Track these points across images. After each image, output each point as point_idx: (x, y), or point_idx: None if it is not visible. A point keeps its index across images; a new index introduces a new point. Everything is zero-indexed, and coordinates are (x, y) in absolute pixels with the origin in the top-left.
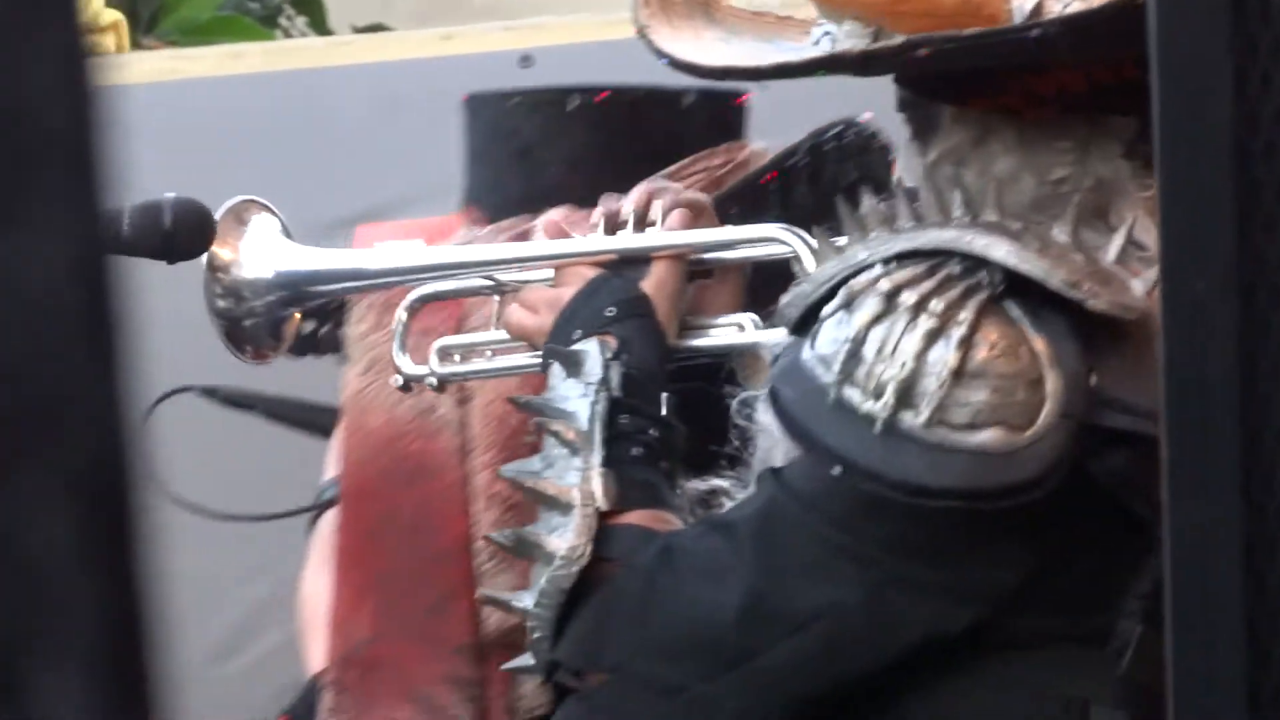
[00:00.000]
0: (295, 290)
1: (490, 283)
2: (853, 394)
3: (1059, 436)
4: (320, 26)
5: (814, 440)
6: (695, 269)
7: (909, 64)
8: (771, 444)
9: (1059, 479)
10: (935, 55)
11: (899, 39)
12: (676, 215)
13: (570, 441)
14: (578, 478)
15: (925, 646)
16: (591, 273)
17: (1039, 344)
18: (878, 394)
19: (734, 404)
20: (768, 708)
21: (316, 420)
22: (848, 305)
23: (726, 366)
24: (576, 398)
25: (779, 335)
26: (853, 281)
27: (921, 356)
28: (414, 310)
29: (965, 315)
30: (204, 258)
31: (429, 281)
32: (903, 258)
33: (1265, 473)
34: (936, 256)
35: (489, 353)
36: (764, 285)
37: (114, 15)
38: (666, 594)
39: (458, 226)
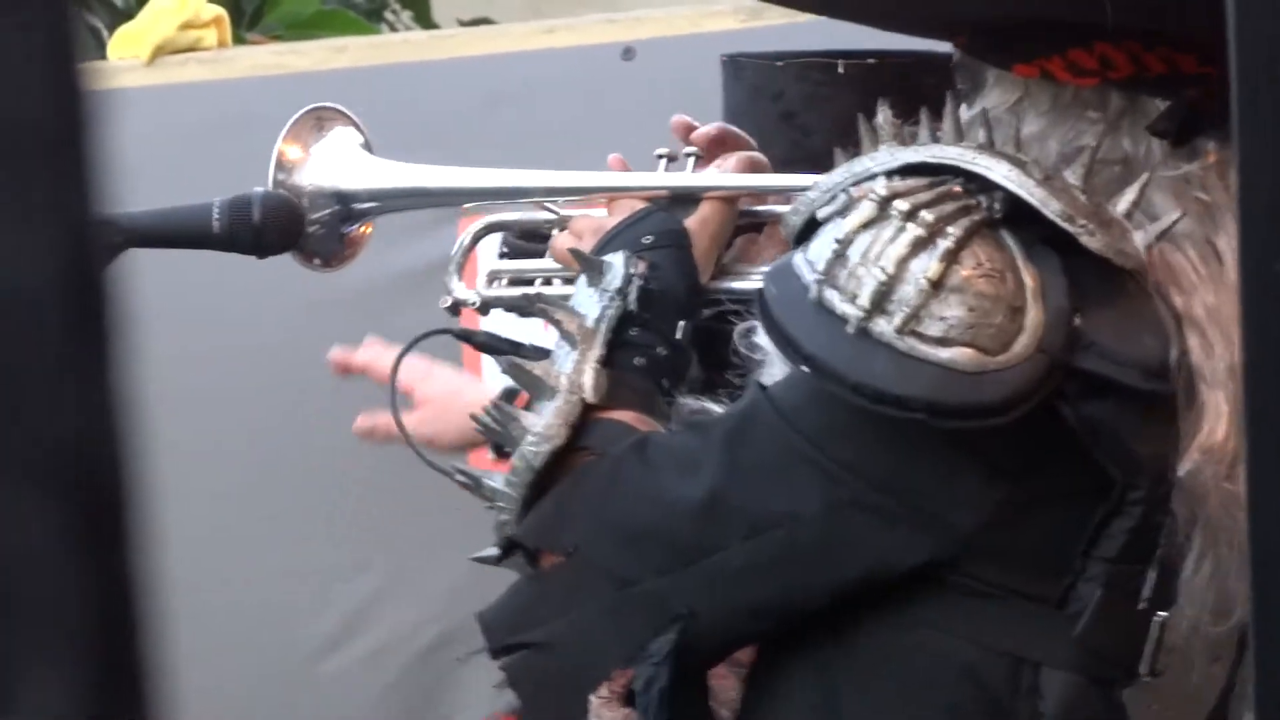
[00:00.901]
0: (349, 205)
1: (554, 216)
2: (832, 295)
3: (1031, 369)
4: (425, 20)
5: (789, 337)
6: (746, 222)
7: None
8: (772, 372)
9: (1024, 411)
10: None
11: None
12: (734, 160)
13: (570, 332)
14: (571, 367)
15: (875, 575)
16: (640, 205)
17: (1027, 274)
18: (855, 296)
19: (736, 331)
20: (715, 610)
21: None
22: (843, 210)
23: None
24: (591, 302)
25: None
26: (854, 189)
27: (904, 263)
28: (477, 237)
29: (955, 230)
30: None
31: (490, 208)
32: (907, 171)
33: None
34: (942, 174)
35: (537, 280)
36: None
37: (216, 10)
38: (632, 483)
39: None
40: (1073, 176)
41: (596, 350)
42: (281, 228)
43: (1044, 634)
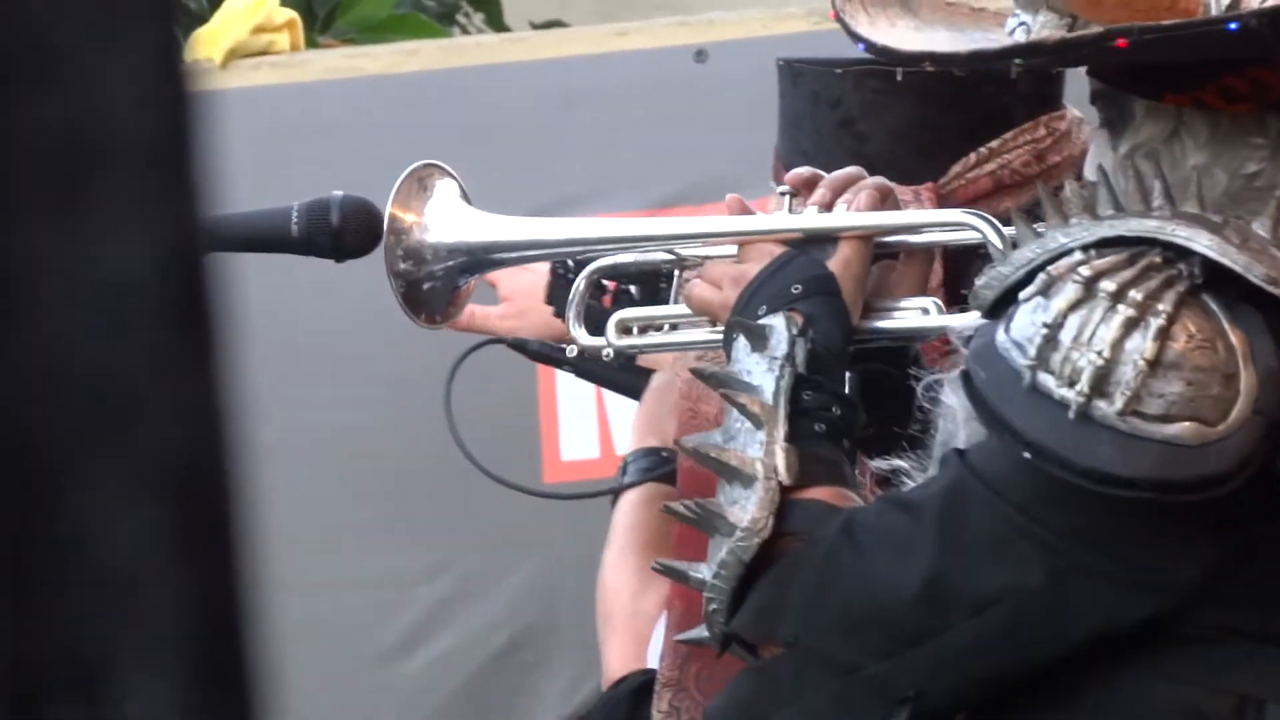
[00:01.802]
0: (475, 256)
1: (672, 257)
2: (1047, 379)
3: (1250, 432)
4: (497, 23)
5: (1005, 423)
6: (880, 251)
7: (1106, 54)
8: (954, 427)
9: (1248, 475)
10: (1133, 46)
11: (1096, 28)
12: (864, 196)
13: (754, 414)
14: (760, 450)
15: (1104, 635)
16: (777, 249)
17: (1236, 338)
18: (1073, 380)
19: (920, 385)
20: (944, 689)
21: (626, 381)
22: (1046, 290)
23: (911, 350)
24: (761, 372)
25: (966, 319)
26: (1051, 266)
27: (1119, 345)
28: (593, 281)
29: (1164, 306)
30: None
31: (610, 253)
32: (1103, 245)
33: None
34: (1138, 245)
35: (667, 326)
36: (957, 273)
37: (289, 14)
38: (847, 568)
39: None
40: (1262, 228)
41: (781, 428)
42: (360, 231)
43: (1268, 672)
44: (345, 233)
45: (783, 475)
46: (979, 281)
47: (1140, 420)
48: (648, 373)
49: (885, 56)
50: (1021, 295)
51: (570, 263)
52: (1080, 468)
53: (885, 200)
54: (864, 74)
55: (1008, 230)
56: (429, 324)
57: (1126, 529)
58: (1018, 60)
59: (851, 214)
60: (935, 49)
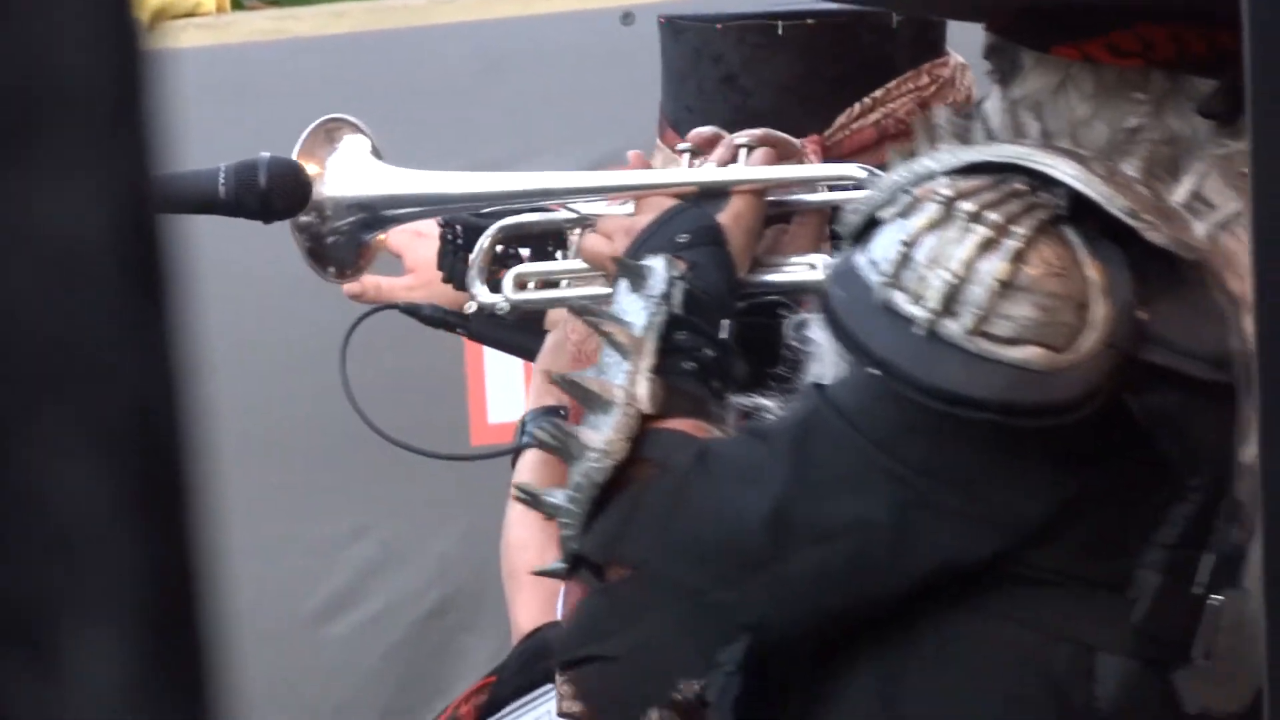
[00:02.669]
0: (375, 212)
1: (573, 215)
2: (899, 297)
3: (1100, 364)
4: None
5: (856, 341)
6: (775, 212)
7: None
8: (822, 368)
9: (1095, 407)
10: None
11: None
12: (760, 152)
13: (621, 344)
14: (624, 379)
15: (944, 572)
16: (670, 203)
17: (1093, 269)
18: (923, 298)
19: (789, 325)
20: (785, 619)
21: (520, 342)
22: (907, 211)
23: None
24: (637, 309)
25: None
26: (916, 189)
27: (971, 264)
28: (497, 240)
29: (1021, 230)
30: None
31: (511, 210)
32: (970, 171)
33: None
34: (1003, 172)
35: (565, 281)
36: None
37: None
38: (697, 494)
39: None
40: (1130, 169)
41: (648, 359)
42: (288, 192)
43: (1103, 619)
44: (273, 194)
45: (643, 403)
46: (847, 208)
47: (988, 341)
48: (542, 334)
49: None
50: (882, 215)
51: (459, 228)
52: (925, 385)
53: (787, 159)
54: (744, 29)
55: None
56: (338, 279)
57: (975, 463)
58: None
59: (744, 168)
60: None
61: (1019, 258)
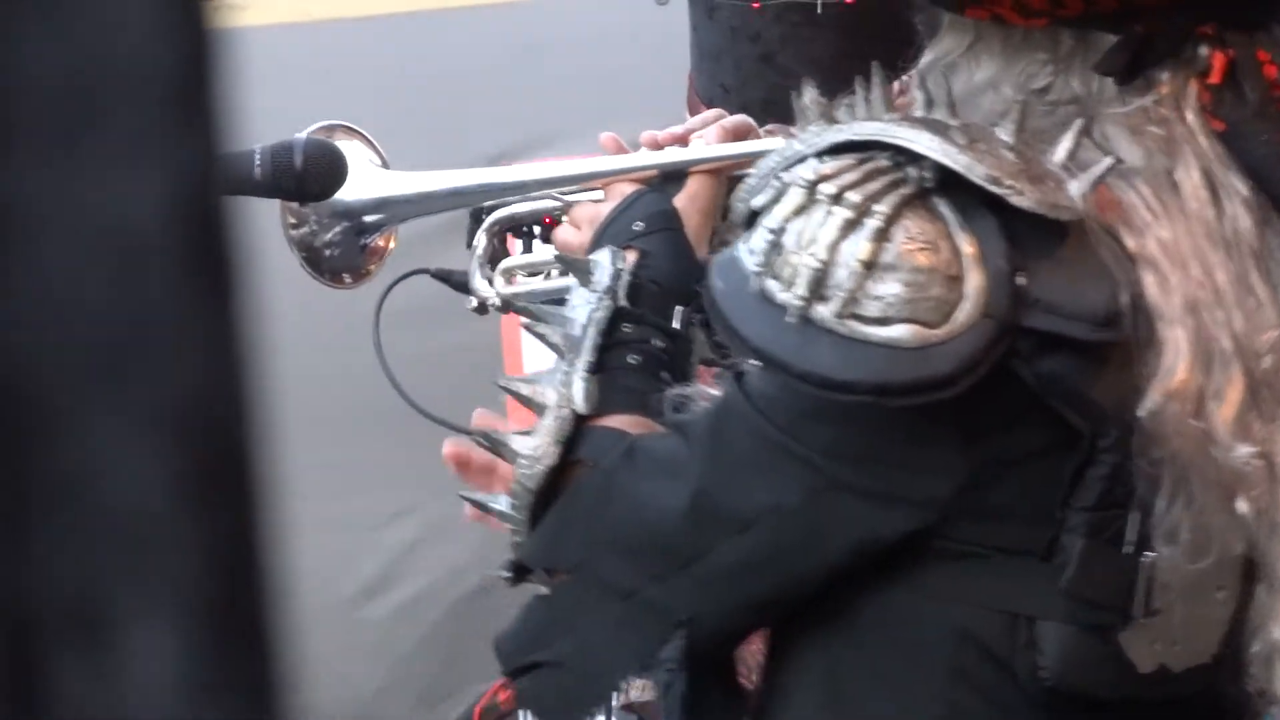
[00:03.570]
0: (358, 219)
1: (559, 204)
2: (772, 285)
3: (978, 336)
4: None
5: (736, 331)
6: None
7: None
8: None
9: (975, 379)
10: None
11: None
12: (714, 130)
13: (555, 345)
14: (559, 380)
15: (863, 553)
16: (630, 188)
17: (963, 241)
18: (793, 285)
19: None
20: (714, 612)
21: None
22: (775, 197)
23: None
24: (581, 305)
25: None
26: (784, 174)
27: (835, 247)
28: (492, 233)
29: (882, 208)
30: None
31: (497, 204)
32: (838, 150)
33: None
34: (870, 149)
35: (552, 272)
36: None
37: None
38: (623, 492)
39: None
40: (1005, 133)
41: (584, 357)
42: (323, 173)
43: (1033, 588)
44: (309, 175)
45: (578, 404)
46: (734, 196)
47: (858, 323)
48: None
49: None
50: (754, 204)
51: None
52: (799, 371)
53: (744, 136)
54: (783, 7)
55: None
56: (351, 285)
57: (882, 443)
58: None
59: (700, 147)
60: None
61: (881, 236)
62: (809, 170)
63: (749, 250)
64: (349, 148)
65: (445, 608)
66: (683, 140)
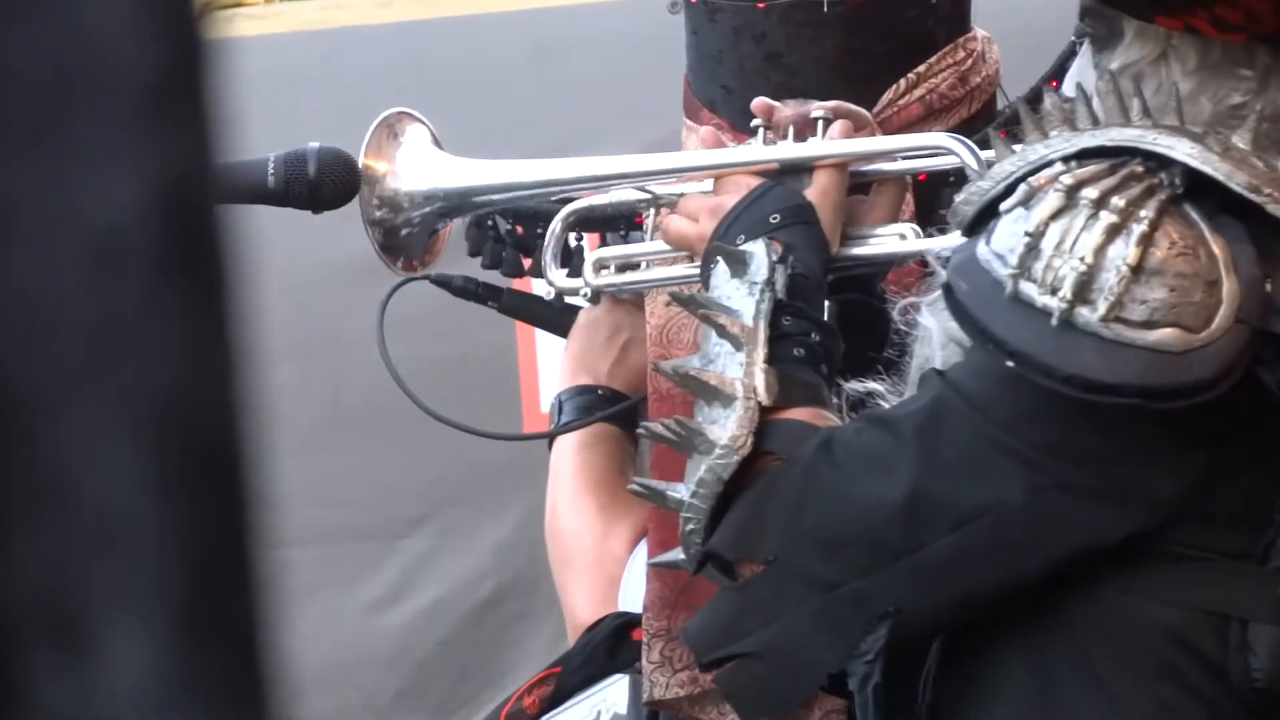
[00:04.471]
0: (453, 201)
1: (646, 195)
2: (1030, 288)
3: (1233, 340)
4: None
5: (989, 334)
6: (853, 182)
7: None
8: (931, 350)
9: (1230, 384)
10: None
11: None
12: (838, 125)
13: (734, 335)
14: (740, 371)
15: (1083, 552)
16: (753, 181)
17: (1217, 246)
18: (1055, 288)
19: (896, 309)
20: (922, 606)
21: (554, 318)
22: (1027, 200)
23: (882, 277)
24: (741, 296)
25: (944, 241)
26: (1032, 178)
27: (1101, 251)
28: (568, 224)
29: (1146, 213)
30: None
31: (584, 193)
32: (1084, 155)
33: None
34: (1118, 155)
35: (645, 263)
36: (927, 206)
37: None
38: (827, 486)
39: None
40: (1242, 141)
41: (761, 349)
42: (337, 182)
43: (1248, 591)
44: (322, 184)
45: (762, 395)
46: (958, 198)
47: (1123, 326)
48: (574, 311)
49: None
50: (1002, 207)
51: (495, 215)
52: (1064, 375)
53: (862, 130)
54: (789, 6)
55: (984, 153)
56: (407, 270)
57: (1108, 444)
58: None
59: (826, 142)
60: None
61: (1147, 241)
62: (1065, 174)
63: (996, 253)
64: (416, 134)
65: (461, 616)
66: (810, 123)
